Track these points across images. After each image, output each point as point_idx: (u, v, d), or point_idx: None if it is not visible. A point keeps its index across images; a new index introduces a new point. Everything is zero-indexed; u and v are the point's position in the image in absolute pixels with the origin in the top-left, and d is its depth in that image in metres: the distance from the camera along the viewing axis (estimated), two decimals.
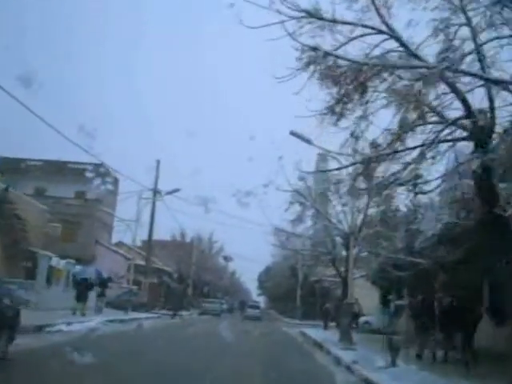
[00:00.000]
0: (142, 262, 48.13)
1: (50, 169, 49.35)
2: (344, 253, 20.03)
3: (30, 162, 50.22)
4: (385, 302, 28.85)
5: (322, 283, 51.75)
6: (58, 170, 49.58)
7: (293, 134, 16.62)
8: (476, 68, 9.44)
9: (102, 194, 50.40)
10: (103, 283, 31.26)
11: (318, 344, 18.76)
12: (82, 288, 25.64)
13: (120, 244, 58.36)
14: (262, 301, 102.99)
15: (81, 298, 24.54)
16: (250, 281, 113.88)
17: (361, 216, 18.54)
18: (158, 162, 34.57)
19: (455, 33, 9.46)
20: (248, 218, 41.52)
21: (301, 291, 46.25)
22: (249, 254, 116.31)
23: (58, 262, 25.38)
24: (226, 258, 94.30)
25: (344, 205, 18.83)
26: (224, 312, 61.98)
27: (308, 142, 17.13)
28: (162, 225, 51.79)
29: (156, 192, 33.83)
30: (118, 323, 21.54)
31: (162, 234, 52.36)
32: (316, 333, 24.49)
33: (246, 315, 47.68)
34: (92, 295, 28.32)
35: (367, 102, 10.62)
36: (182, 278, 52.22)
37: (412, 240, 19.89)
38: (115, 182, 53.08)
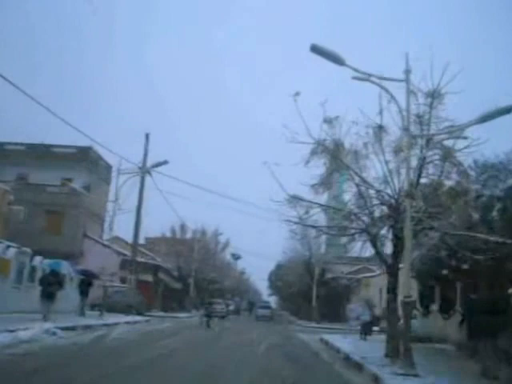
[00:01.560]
0: (140, 259, 42.37)
1: (32, 153, 43.66)
2: (384, 231, 13.68)
3: (10, 146, 44.44)
4: (428, 299, 22.76)
5: (340, 280, 45.58)
6: (42, 154, 43.83)
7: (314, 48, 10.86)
8: None
9: (92, 182, 44.95)
10: (85, 281, 25.33)
11: (355, 363, 12.60)
12: (46, 285, 19.70)
13: (116, 239, 52.48)
14: (272, 301, 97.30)
15: (46, 297, 18.68)
16: (260, 280, 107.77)
17: (413, 176, 12.34)
18: (147, 135, 28.68)
19: None
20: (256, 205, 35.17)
21: (317, 290, 39.97)
22: (259, 250, 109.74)
23: (3, 251, 19.43)
24: (234, 256, 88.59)
25: (388, 161, 12.62)
26: (231, 313, 56.00)
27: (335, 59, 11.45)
28: (160, 219, 45.80)
29: (145, 171, 27.89)
30: (72, 332, 15.60)
31: (159, 228, 46.40)
32: (343, 342, 18.34)
33: (257, 315, 48.09)
34: (72, 295, 22.97)
35: None
36: (183, 276, 46.18)
37: (486, 211, 13.73)
38: (107, 168, 47.60)
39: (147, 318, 28.42)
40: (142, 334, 18.44)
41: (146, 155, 28.89)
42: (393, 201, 13.17)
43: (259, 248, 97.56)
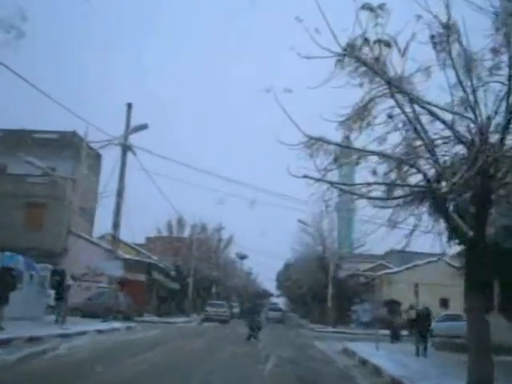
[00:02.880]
0: (135, 257, 37.67)
1: (11, 140, 38.72)
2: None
3: None
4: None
5: (357, 279, 40.49)
6: (21, 141, 38.95)
7: None
8: None
9: (77, 172, 40.07)
10: (61, 282, 20.56)
11: None
12: None
13: (108, 236, 47.57)
14: (280, 302, 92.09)
15: None
16: (267, 281, 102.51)
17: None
18: (130, 105, 23.78)
19: None
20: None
21: (332, 289, 34.83)
22: (266, 248, 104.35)
23: None
24: (240, 256, 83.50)
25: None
26: (236, 317, 50.95)
27: None
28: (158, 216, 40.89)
29: (127, 147, 23.04)
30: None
31: (155, 224, 41.51)
32: (378, 356, 13.34)
33: (268, 317, 47.06)
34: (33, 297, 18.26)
35: None
36: (182, 276, 41.20)
37: None
38: (96, 157, 42.82)
39: (133, 324, 23.61)
40: (107, 348, 13.65)
41: (127, 127, 24.00)
42: (476, 138, 8.03)
43: (267, 246, 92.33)
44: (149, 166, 26.42)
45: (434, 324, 30.96)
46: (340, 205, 15.86)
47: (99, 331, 18.43)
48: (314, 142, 9.03)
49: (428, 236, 9.89)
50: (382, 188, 9.48)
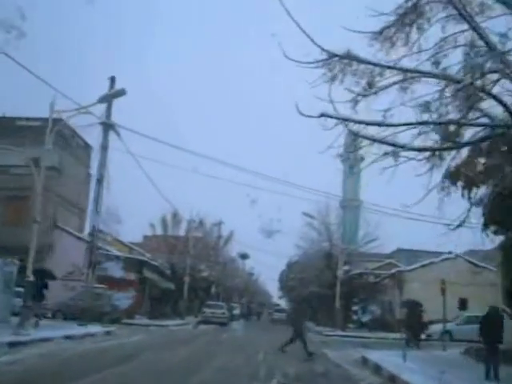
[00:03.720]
0: (125, 255, 34.74)
1: None
2: None
3: None
4: None
5: (367, 278, 37.38)
6: (3, 129, 35.97)
7: None
8: None
9: (64, 162, 37.17)
10: (38, 283, 17.82)
11: None
12: None
13: (100, 232, 44.64)
14: (283, 304, 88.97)
15: None
16: (269, 281, 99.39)
17: None
18: (113, 79, 20.78)
19: None
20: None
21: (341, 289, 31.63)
22: (269, 247, 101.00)
23: None
24: (242, 256, 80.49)
25: None
26: (236, 318, 47.90)
27: None
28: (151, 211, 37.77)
29: (108, 125, 20.05)
30: None
31: (148, 219, 38.49)
32: (412, 372, 10.14)
33: (273, 318, 49.27)
34: None
35: None
36: (177, 275, 38.13)
37: None
38: (85, 149, 39.97)
39: (114, 328, 20.39)
40: (56, 362, 10.63)
41: (109, 104, 20.99)
42: None
43: (269, 245, 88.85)
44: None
45: (453, 326, 28.05)
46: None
47: (68, 337, 15.46)
48: (338, 60, 5.92)
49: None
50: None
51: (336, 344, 21.80)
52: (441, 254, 37.74)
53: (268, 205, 34.96)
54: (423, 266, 33.35)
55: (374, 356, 14.40)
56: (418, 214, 26.09)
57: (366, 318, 36.37)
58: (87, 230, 44.79)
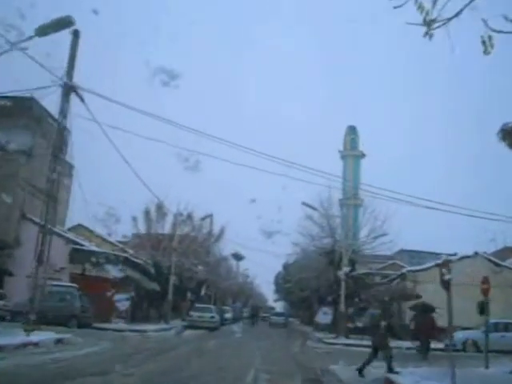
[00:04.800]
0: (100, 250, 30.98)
1: None
2: None
3: None
4: None
5: (373, 278, 33.62)
6: None
7: None
8: None
9: (35, 147, 33.42)
10: None
11: None
12: None
13: (80, 227, 40.85)
14: (279, 307, 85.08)
15: None
16: (265, 284, 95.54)
17: None
18: (76, 33, 16.94)
19: None
20: None
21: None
22: (265, 246, 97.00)
23: None
24: (236, 256, 76.73)
25: None
26: (229, 322, 44.05)
27: None
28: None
29: (70, 87, 16.25)
30: None
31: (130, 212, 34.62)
32: None
33: (271, 322, 49.42)
34: None
35: None
36: (162, 275, 34.19)
37: None
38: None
39: (70, 335, 16.43)
40: None
41: (72, 60, 17.14)
42: None
43: (265, 243, 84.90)
44: None
45: (477, 334, 24.30)
46: None
47: None
48: None
49: None
50: None
51: (343, 356, 17.95)
52: (447, 255, 34.04)
53: (266, 203, 31.10)
54: (438, 265, 29.49)
55: (401, 381, 10.55)
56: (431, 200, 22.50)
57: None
58: (68, 223, 41.44)
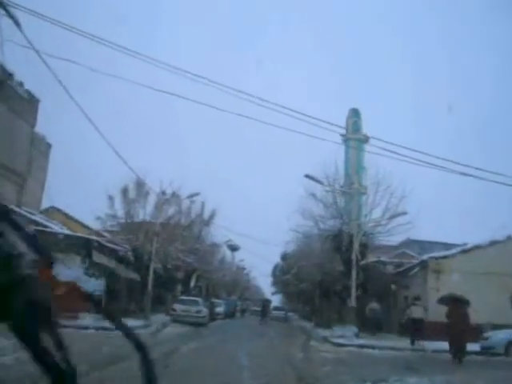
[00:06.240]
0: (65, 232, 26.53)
1: None
2: None
3: None
4: None
5: (384, 268, 29.31)
6: None
7: None
8: None
9: (2, 119, 28.85)
10: None
11: None
12: None
13: (52, 210, 36.40)
14: (276, 301, 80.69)
15: None
16: (262, 277, 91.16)
17: None
18: None
19: None
20: None
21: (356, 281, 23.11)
22: (262, 235, 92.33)
23: None
24: (230, 246, 72.38)
25: None
26: (221, 317, 39.73)
27: None
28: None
29: None
30: None
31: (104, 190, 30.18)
32: None
33: (272, 316, 47.02)
34: None
35: None
36: (143, 264, 29.66)
37: None
38: (31, 101, 31.59)
39: None
40: None
41: None
42: None
43: (262, 233, 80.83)
44: None
45: None
46: None
47: None
48: None
49: None
50: None
51: (362, 365, 13.50)
52: (457, 245, 29.79)
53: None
54: (464, 251, 25.11)
55: None
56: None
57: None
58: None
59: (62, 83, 15.83)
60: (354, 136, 69.69)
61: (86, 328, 20.19)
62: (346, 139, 70.11)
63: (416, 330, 21.37)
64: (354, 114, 71.83)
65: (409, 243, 48.29)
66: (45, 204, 37.16)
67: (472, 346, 18.43)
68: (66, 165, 53.16)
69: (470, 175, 18.04)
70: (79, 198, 45.05)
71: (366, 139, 71.27)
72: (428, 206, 53.56)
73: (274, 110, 15.96)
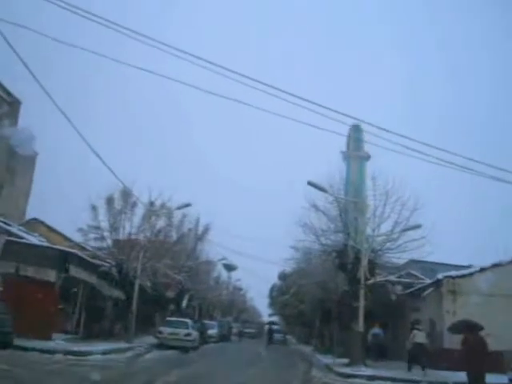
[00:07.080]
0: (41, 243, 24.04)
1: None
2: None
3: None
4: None
5: (393, 288, 26.80)
6: None
7: None
8: None
9: None
10: None
11: None
12: None
13: (34, 222, 33.87)
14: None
15: None
16: (259, 299, 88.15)
17: None
18: None
19: None
20: None
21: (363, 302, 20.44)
22: (260, 254, 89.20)
23: None
24: (227, 266, 69.49)
25: None
26: (214, 341, 36.95)
27: None
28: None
29: None
30: None
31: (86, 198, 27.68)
32: None
33: (271, 340, 46.30)
34: None
35: None
36: (128, 281, 26.96)
37: None
38: (13, 104, 29.46)
39: None
40: None
41: None
42: None
43: (259, 251, 77.93)
44: None
45: None
46: None
47: None
48: None
49: None
50: None
51: None
52: (460, 267, 27.38)
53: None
54: (483, 269, 22.51)
55: None
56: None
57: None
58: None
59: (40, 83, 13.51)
60: (356, 153, 67.90)
61: (53, 352, 17.37)
62: (346, 156, 68.50)
63: (416, 356, 19.19)
64: (356, 130, 70.05)
65: (410, 264, 45.71)
66: (31, 215, 34.75)
67: (497, 378, 15.87)
68: (49, 171, 50.55)
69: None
70: (63, 208, 42.23)
71: (367, 157, 69.32)
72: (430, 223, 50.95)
73: (279, 97, 13.52)
